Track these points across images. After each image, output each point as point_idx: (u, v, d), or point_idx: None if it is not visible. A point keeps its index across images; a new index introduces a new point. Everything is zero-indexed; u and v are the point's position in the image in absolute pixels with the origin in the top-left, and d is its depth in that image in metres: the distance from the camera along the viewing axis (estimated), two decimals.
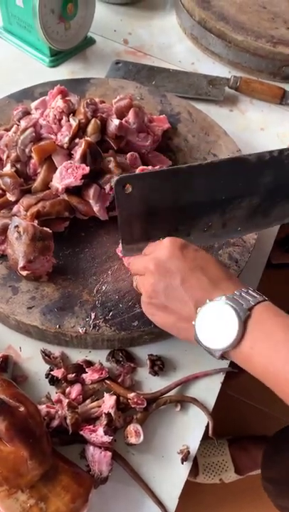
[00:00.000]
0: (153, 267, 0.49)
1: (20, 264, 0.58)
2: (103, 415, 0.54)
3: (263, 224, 0.58)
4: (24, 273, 0.59)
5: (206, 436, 0.58)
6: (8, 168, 0.66)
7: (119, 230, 0.53)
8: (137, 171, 0.66)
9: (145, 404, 0.56)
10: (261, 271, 0.72)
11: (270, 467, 0.92)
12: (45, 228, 0.60)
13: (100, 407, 0.56)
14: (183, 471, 0.56)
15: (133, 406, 0.56)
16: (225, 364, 0.62)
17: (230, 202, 0.54)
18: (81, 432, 0.53)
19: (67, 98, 0.69)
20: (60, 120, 0.67)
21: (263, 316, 0.44)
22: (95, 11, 0.93)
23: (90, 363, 0.60)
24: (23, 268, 0.58)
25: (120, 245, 0.57)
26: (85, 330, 0.58)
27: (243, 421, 1.21)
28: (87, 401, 0.57)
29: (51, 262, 0.61)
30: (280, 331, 0.43)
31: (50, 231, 0.60)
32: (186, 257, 0.48)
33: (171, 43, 1.03)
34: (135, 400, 0.56)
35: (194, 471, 1.09)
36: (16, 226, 0.59)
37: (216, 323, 0.45)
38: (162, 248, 0.49)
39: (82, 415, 0.55)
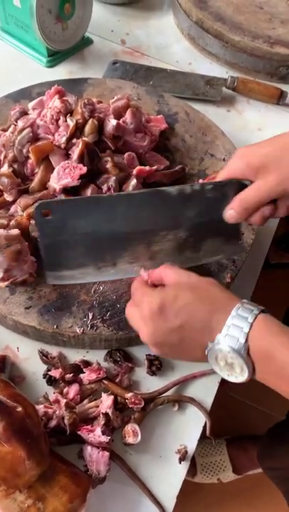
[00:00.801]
0: (148, 340, 0.49)
1: None
2: (101, 415, 0.54)
3: (194, 258, 0.56)
4: (3, 284, 0.57)
5: (203, 435, 0.58)
6: (5, 169, 0.66)
7: (43, 259, 0.53)
8: (135, 171, 0.66)
9: (143, 404, 0.56)
10: (259, 270, 0.72)
11: (270, 457, 0.92)
12: (10, 231, 0.57)
13: (97, 407, 0.56)
14: (181, 470, 0.56)
15: (131, 406, 0.56)
16: None
17: (155, 234, 0.53)
18: (79, 432, 0.53)
19: (64, 98, 0.69)
20: (57, 120, 0.67)
21: (261, 343, 0.44)
22: (92, 11, 0.93)
23: (87, 363, 0.60)
24: (2, 279, 0.57)
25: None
26: (83, 330, 0.58)
27: (240, 420, 1.21)
28: (85, 401, 0.57)
29: (30, 262, 0.59)
30: (280, 353, 0.43)
31: (18, 231, 0.57)
32: (168, 319, 0.47)
33: (168, 43, 1.03)
34: (133, 400, 0.56)
35: (192, 471, 1.10)
36: None
37: (227, 362, 0.46)
38: (145, 321, 0.48)
39: (80, 415, 0.55)
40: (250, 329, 0.44)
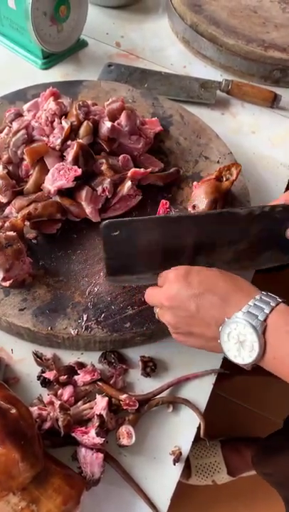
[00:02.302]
0: (167, 303, 0.50)
1: (0, 276, 0.58)
2: (95, 417, 0.54)
3: (249, 266, 0.59)
4: (7, 283, 0.59)
5: (198, 437, 0.58)
6: (0, 170, 0.66)
7: (104, 265, 0.55)
8: (129, 173, 0.67)
9: (137, 406, 0.56)
10: (252, 275, 0.73)
11: (265, 465, 0.92)
12: (7, 233, 0.59)
13: (92, 408, 0.56)
14: (175, 472, 0.56)
15: (125, 408, 0.56)
16: (217, 365, 0.62)
17: (217, 246, 0.55)
18: (73, 434, 0.53)
19: (59, 100, 0.69)
20: (52, 122, 0.67)
21: (279, 324, 0.45)
22: (88, 14, 0.93)
23: (82, 365, 0.60)
24: (4, 279, 0.58)
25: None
26: (77, 332, 0.58)
27: (235, 422, 1.21)
28: (79, 403, 0.57)
29: (28, 262, 0.60)
30: None
31: (14, 233, 0.59)
32: (192, 284, 0.49)
33: (163, 46, 1.04)
34: (127, 402, 0.56)
35: (186, 473, 1.09)
36: None
37: (239, 339, 0.46)
38: (169, 283, 0.50)
39: (74, 417, 0.55)
40: (270, 312, 0.45)
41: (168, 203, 0.64)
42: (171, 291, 0.50)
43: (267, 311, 0.45)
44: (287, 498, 0.83)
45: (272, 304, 0.46)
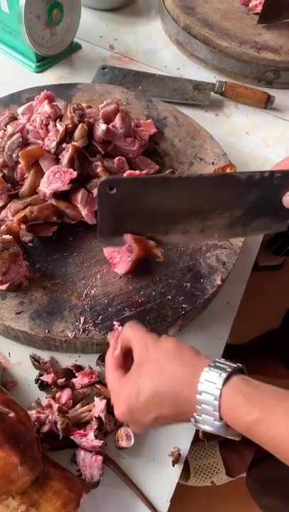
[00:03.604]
0: (122, 417, 0.49)
1: None
2: (94, 419, 0.54)
3: (240, 233, 0.60)
4: (4, 287, 0.58)
5: (196, 438, 0.58)
6: None
7: (98, 223, 0.55)
8: (125, 175, 0.67)
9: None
10: (248, 273, 0.73)
11: (261, 468, 0.92)
12: (3, 236, 0.59)
13: (90, 411, 0.56)
14: (174, 473, 0.56)
15: None
16: None
17: (213, 211, 0.55)
18: (72, 437, 0.53)
19: (53, 103, 0.69)
20: (47, 125, 0.67)
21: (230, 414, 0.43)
22: (81, 17, 0.93)
23: (79, 368, 0.60)
24: (0, 283, 0.58)
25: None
26: (75, 334, 0.58)
27: None
28: (78, 405, 0.57)
29: (24, 265, 0.60)
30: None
31: (10, 236, 0.59)
32: (142, 418, 0.47)
33: (156, 48, 1.04)
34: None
35: (185, 474, 1.09)
36: None
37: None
38: (119, 408, 0.48)
39: (73, 420, 0.55)
40: (219, 408, 0.42)
41: None
42: (133, 427, 0.50)
43: (216, 405, 0.42)
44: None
45: (217, 394, 0.42)
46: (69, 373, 0.59)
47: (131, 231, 0.55)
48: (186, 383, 0.44)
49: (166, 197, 0.53)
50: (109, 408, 0.56)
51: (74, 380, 0.59)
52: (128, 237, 0.57)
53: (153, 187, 0.53)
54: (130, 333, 0.50)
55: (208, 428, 0.43)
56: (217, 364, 0.44)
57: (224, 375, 0.43)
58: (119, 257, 0.61)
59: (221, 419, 0.42)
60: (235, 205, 0.55)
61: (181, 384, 0.45)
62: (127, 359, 0.50)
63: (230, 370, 0.43)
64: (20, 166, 0.66)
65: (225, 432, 0.43)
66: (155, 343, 0.48)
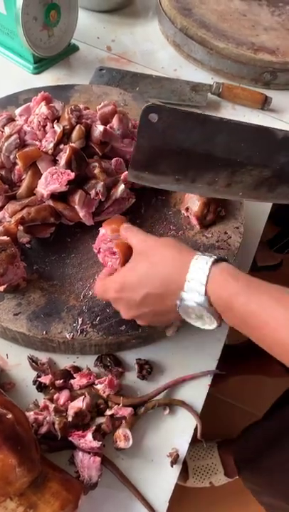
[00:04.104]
0: (125, 316, 0.54)
1: None
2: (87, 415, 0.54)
3: (263, 197, 0.60)
4: (1, 288, 0.58)
5: (195, 439, 0.59)
6: None
7: (132, 155, 0.54)
8: (122, 176, 0.67)
9: (127, 413, 0.56)
10: (246, 272, 0.73)
11: (251, 472, 0.92)
12: (0, 238, 0.59)
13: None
14: (172, 474, 0.56)
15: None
16: (212, 366, 0.63)
17: (243, 166, 0.55)
18: (70, 438, 0.53)
19: (51, 104, 0.69)
20: (44, 126, 0.67)
21: (219, 294, 0.47)
22: (78, 18, 0.93)
23: (77, 369, 0.60)
24: None
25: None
26: (72, 335, 0.58)
27: (231, 423, 1.21)
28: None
29: (22, 266, 0.60)
30: (238, 303, 0.46)
31: (7, 238, 0.59)
32: (132, 293, 0.51)
33: (154, 49, 1.04)
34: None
35: (184, 475, 1.09)
36: None
37: (197, 315, 0.49)
38: (116, 304, 0.55)
39: (72, 421, 0.55)
40: (206, 282, 0.46)
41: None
42: (122, 307, 0.53)
43: (203, 281, 0.46)
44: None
45: (206, 270, 0.47)
46: (67, 374, 0.59)
47: (161, 171, 0.55)
48: (178, 265, 0.49)
49: (203, 137, 0.53)
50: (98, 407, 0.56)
51: (72, 381, 0.58)
52: (112, 244, 0.58)
53: (193, 123, 0.53)
54: (130, 232, 0.55)
55: (190, 303, 0.47)
56: (206, 254, 0.49)
57: (213, 258, 0.48)
58: (113, 262, 0.60)
59: (205, 294, 0.46)
60: (266, 163, 0.55)
61: (173, 266, 0.49)
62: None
63: (216, 257, 0.48)
64: (17, 167, 0.66)
65: (207, 308, 0.46)
66: (155, 238, 0.54)
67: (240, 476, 0.97)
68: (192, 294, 0.47)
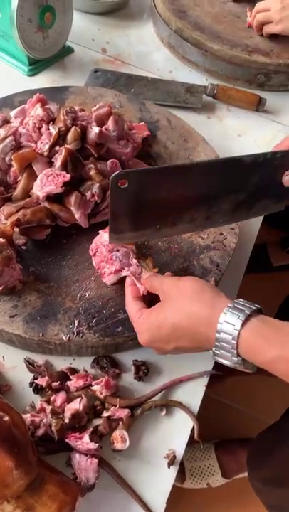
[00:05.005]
0: (145, 343, 0.54)
1: None
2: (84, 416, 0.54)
3: (244, 217, 0.61)
4: None
5: (192, 440, 0.59)
6: None
7: (110, 222, 0.54)
8: None
9: (124, 414, 0.56)
10: (242, 274, 0.73)
11: (260, 467, 0.92)
12: None
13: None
14: (170, 475, 0.56)
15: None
16: (209, 367, 0.63)
17: (219, 197, 0.56)
18: (67, 440, 0.53)
19: (46, 106, 0.69)
20: (39, 128, 0.67)
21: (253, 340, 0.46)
22: (73, 20, 0.93)
23: (74, 371, 0.60)
24: None
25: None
26: (69, 337, 0.58)
27: (228, 424, 1.21)
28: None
29: (18, 268, 0.60)
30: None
31: (3, 239, 0.58)
32: (163, 346, 0.52)
33: (148, 51, 1.05)
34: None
35: (181, 477, 1.09)
36: None
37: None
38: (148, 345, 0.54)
39: (69, 422, 0.54)
40: (237, 346, 0.45)
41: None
42: (155, 350, 0.54)
43: (234, 344, 0.45)
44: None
45: (235, 334, 0.45)
46: (64, 376, 0.59)
47: (141, 226, 0.55)
48: (205, 322, 0.47)
49: (176, 186, 0.54)
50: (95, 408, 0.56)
51: (69, 382, 0.58)
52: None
53: (162, 177, 0.53)
54: (157, 281, 0.55)
55: (226, 362, 0.47)
56: (236, 306, 0.46)
57: (242, 317, 0.45)
58: (108, 268, 0.60)
59: (238, 355, 0.45)
60: (240, 188, 0.56)
61: (199, 323, 0.48)
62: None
63: (248, 312, 0.45)
64: (13, 169, 0.66)
65: (243, 367, 0.46)
66: (176, 282, 0.52)
67: (250, 472, 0.97)
68: (224, 353, 0.46)
